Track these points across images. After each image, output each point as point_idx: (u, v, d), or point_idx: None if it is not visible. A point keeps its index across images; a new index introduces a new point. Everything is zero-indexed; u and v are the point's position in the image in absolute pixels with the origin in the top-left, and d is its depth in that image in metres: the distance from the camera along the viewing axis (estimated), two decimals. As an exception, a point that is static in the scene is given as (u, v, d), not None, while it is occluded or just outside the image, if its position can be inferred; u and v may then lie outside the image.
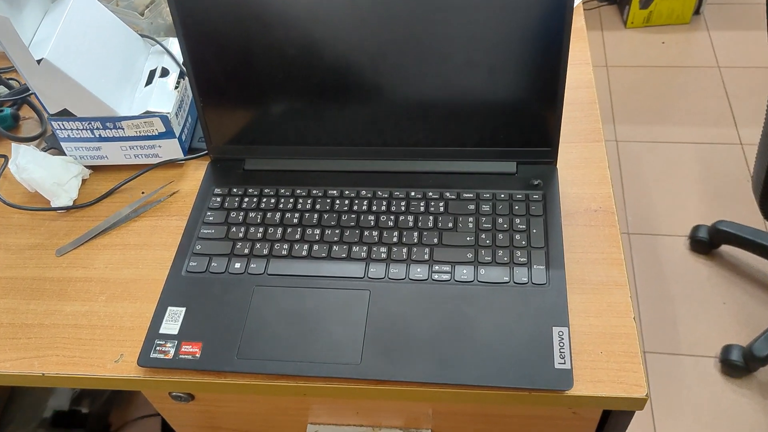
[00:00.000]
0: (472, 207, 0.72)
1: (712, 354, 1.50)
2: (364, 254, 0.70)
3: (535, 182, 0.74)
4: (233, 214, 0.75)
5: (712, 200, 1.77)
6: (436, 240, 0.70)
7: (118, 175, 0.83)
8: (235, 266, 0.70)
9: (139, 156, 0.81)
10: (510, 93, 0.71)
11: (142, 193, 0.81)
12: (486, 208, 0.72)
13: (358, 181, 0.77)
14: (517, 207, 0.72)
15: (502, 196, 0.73)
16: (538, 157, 0.75)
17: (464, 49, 0.68)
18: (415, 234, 0.71)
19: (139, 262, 0.74)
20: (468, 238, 0.70)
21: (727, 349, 1.46)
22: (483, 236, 0.70)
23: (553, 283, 0.65)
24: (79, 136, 0.79)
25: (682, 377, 1.46)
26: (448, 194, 0.74)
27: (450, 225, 0.71)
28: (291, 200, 0.75)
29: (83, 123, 0.77)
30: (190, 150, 0.84)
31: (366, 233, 0.71)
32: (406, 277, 0.68)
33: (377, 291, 0.67)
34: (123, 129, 0.78)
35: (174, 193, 0.80)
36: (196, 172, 0.82)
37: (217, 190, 0.78)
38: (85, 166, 0.82)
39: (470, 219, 0.71)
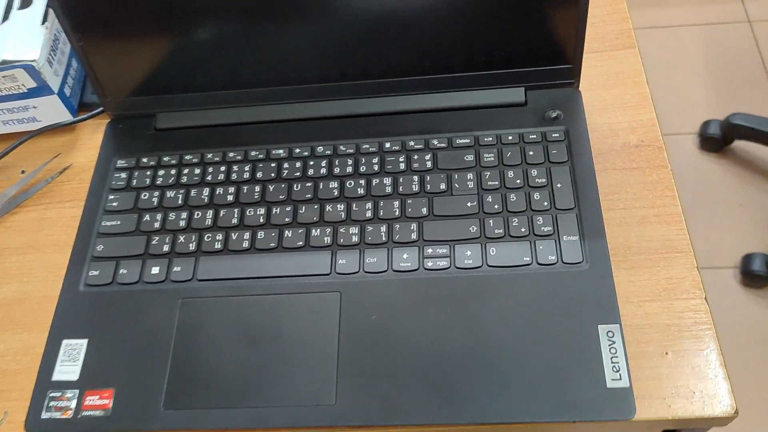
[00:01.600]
0: (470, 157, 0.53)
1: (730, 264, 1.36)
2: (328, 239, 0.50)
3: (553, 114, 0.53)
4: (145, 196, 0.54)
5: (721, 91, 1.58)
6: (425, 210, 0.51)
7: (-10, 150, 0.61)
8: (152, 271, 0.51)
9: (11, 123, 0.60)
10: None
11: (22, 172, 0.60)
12: (489, 157, 0.52)
13: (311, 132, 0.56)
14: (531, 152, 0.52)
15: (510, 138, 0.53)
16: (553, 78, 0.55)
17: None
18: (396, 204, 0.51)
19: (23, 273, 0.54)
20: (469, 204, 0.50)
21: (747, 259, 1.32)
22: (489, 199, 0.50)
23: (593, 259, 0.47)
24: None
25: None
26: (435, 141, 0.54)
27: (443, 186, 0.51)
28: (222, 168, 0.55)
29: None
30: (81, 107, 0.62)
31: (328, 208, 0.52)
32: (389, 268, 0.49)
33: (351, 292, 0.48)
34: (-25, 89, 0.55)
35: (65, 169, 0.59)
36: (94, 137, 0.61)
37: (121, 162, 0.57)
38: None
39: (469, 175, 0.52)
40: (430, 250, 0.49)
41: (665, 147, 0.53)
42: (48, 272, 0.54)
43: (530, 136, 0.53)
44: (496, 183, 0.51)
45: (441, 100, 0.56)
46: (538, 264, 0.47)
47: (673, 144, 1.52)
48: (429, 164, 0.53)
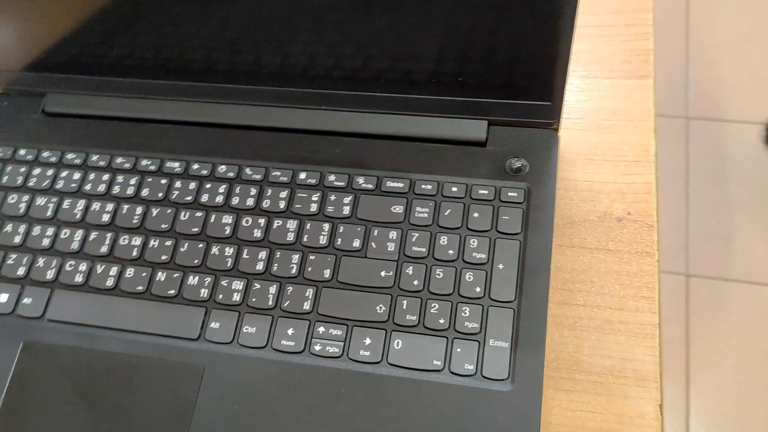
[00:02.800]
0: (398, 209, 0.41)
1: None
2: (204, 292, 0.40)
3: (516, 164, 0.41)
4: (12, 199, 0.45)
5: (802, 77, 1.36)
6: (328, 272, 0.40)
7: None
8: (0, 300, 0.42)
9: None
10: None
11: None
12: (423, 212, 0.41)
13: (216, 144, 0.45)
14: (476, 214, 0.40)
15: (454, 189, 0.41)
16: (525, 115, 0.42)
17: None
18: (296, 258, 0.41)
19: None
20: (383, 273, 0.39)
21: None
22: (410, 271, 0.39)
23: (521, 377, 0.36)
24: None
25: (737, 308, 1.18)
26: (361, 180, 0.42)
27: (356, 244, 0.40)
28: (105, 177, 0.45)
29: None
30: (-29, 70, 0.52)
31: (214, 250, 0.41)
32: (268, 344, 0.39)
33: (217, 368, 0.38)
34: None
35: (-56, 145, 0.50)
36: (-18, 109, 0.51)
37: (-4, 151, 0.47)
38: None
39: (392, 234, 0.40)
40: (321, 329, 0.38)
41: (656, 224, 0.40)
42: None
43: (480, 191, 0.41)
44: (423, 250, 0.40)
45: (378, 123, 0.43)
46: (451, 372, 0.37)
47: (734, 133, 1.34)
48: (347, 210, 0.41)
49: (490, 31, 0.38)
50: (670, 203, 1.27)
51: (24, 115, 0.48)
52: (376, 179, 0.42)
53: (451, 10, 0.38)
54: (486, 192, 0.41)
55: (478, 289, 0.38)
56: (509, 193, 0.40)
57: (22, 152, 0.47)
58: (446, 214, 0.40)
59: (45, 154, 0.46)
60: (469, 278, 0.38)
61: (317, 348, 0.38)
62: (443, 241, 0.40)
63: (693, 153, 1.33)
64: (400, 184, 0.42)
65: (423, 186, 0.41)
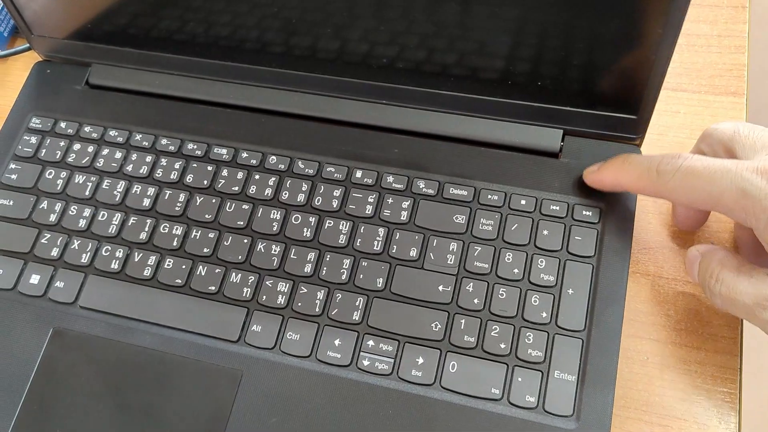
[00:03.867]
0: (461, 219, 0.38)
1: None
2: (247, 291, 0.38)
3: (593, 180, 0.38)
4: (50, 174, 0.43)
5: None
6: (381, 281, 0.37)
7: None
8: (31, 280, 0.40)
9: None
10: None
11: (-65, 104, 0.49)
12: (487, 224, 0.38)
13: (269, 132, 0.42)
14: (546, 231, 0.37)
15: (523, 202, 0.38)
16: (606, 128, 0.38)
17: None
18: (347, 262, 0.38)
19: None
20: (441, 288, 0.36)
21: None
22: (470, 287, 0.36)
23: (586, 416, 0.33)
24: None
25: None
26: (421, 184, 0.39)
27: (413, 253, 0.37)
28: (148, 159, 0.42)
29: None
30: (16, 38, 0.50)
31: (260, 246, 0.39)
32: (312, 354, 0.36)
33: (256, 374, 0.36)
34: None
35: (-18, 109, 0.48)
36: (24, 75, 0.49)
37: (35, 121, 0.45)
38: None
39: (453, 245, 0.37)
40: (371, 343, 0.36)
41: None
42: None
43: (551, 207, 0.37)
44: (486, 266, 0.37)
45: (443, 123, 0.40)
46: (509, 402, 0.34)
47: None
48: (404, 216, 0.38)
49: (578, 29, 0.35)
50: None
51: (67, 85, 0.46)
52: (438, 184, 0.39)
53: (540, 15, 0.34)
54: (557, 208, 0.37)
55: (544, 315, 0.35)
56: (583, 212, 0.37)
57: (62, 125, 0.44)
58: (513, 228, 0.37)
59: (86, 128, 0.44)
60: (535, 301, 0.35)
61: (365, 363, 0.35)
62: (508, 258, 0.37)
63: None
64: (464, 192, 0.39)
65: (489, 196, 0.38)
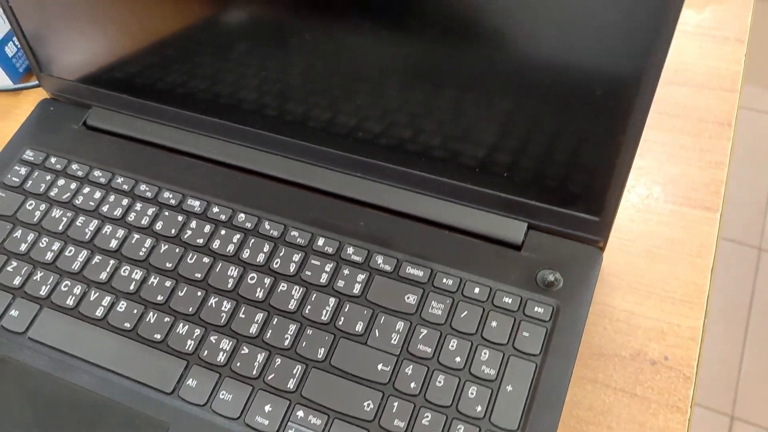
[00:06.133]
0: (412, 299, 0.38)
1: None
2: (191, 344, 0.38)
3: (550, 277, 0.37)
4: (30, 205, 0.44)
5: None
6: (322, 352, 0.37)
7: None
8: (-11, 306, 0.41)
9: (-52, 67, 0.51)
10: (536, 78, 0.34)
11: (-55, 127, 0.51)
12: (437, 308, 0.37)
13: (242, 190, 0.43)
14: (494, 323, 0.36)
15: (476, 291, 0.37)
16: (570, 226, 0.38)
17: None
18: (292, 328, 0.37)
19: None
20: (380, 367, 0.36)
21: None
22: (409, 370, 0.35)
23: None
24: None
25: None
26: (380, 260, 0.39)
27: (359, 328, 0.37)
28: (124, 201, 0.43)
29: None
30: (30, 74, 0.52)
31: (211, 301, 0.39)
32: (241, 417, 0.35)
33: (180, 431, 0.35)
34: None
35: (-15, 137, 0.50)
36: (31, 109, 0.51)
37: (28, 154, 0.47)
38: None
39: (399, 325, 0.37)
40: (300, 414, 0.35)
41: (694, 377, 0.35)
42: None
43: (504, 299, 0.37)
44: (429, 350, 0.36)
45: (411, 202, 0.41)
46: (429, 497, 0.32)
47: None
48: (357, 289, 0.38)
49: (547, 128, 0.35)
50: (727, 336, 1.18)
51: (66, 123, 0.48)
52: (396, 262, 0.39)
53: (512, 99, 0.35)
54: (510, 301, 0.37)
55: (479, 409, 0.34)
56: (535, 308, 0.36)
57: (53, 160, 0.46)
58: (462, 315, 0.37)
59: (74, 166, 0.45)
60: (472, 394, 0.34)
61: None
62: (452, 346, 0.36)
63: (761, 287, 1.24)
64: (420, 273, 0.38)
65: (444, 279, 0.38)
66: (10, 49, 0.50)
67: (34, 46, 0.46)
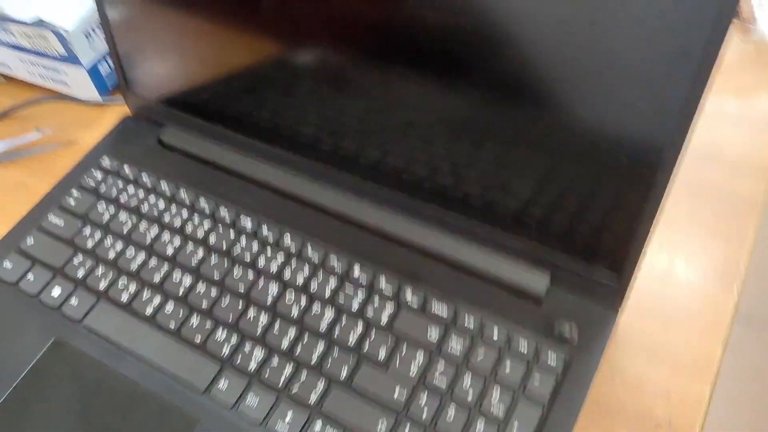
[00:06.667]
0: (434, 335, 0.40)
1: None
2: (226, 350, 0.41)
3: (565, 329, 0.39)
4: (101, 207, 0.49)
5: None
6: (344, 372, 0.39)
7: (26, 94, 0.60)
8: (53, 293, 0.45)
9: (46, 78, 0.57)
10: (570, 137, 0.37)
11: (36, 130, 0.57)
12: (456, 346, 0.40)
13: (289, 216, 0.47)
14: (508, 367, 0.39)
15: (495, 334, 0.40)
16: (588, 283, 0.40)
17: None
18: (319, 348, 0.41)
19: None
20: (396, 393, 0.38)
21: None
22: (422, 400, 0.38)
23: None
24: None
25: None
26: (408, 295, 0.42)
27: (381, 355, 0.40)
28: (184, 214, 0.48)
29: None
30: (117, 90, 0.58)
31: (251, 314, 0.42)
32: (264, 422, 0.38)
33: (208, 427, 0.38)
34: (13, 34, 0.53)
35: (70, 143, 0.56)
36: (114, 121, 0.56)
37: (106, 161, 0.52)
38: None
39: (419, 356, 0.40)
40: (318, 427, 0.38)
41: (698, 443, 0.37)
42: (-15, 241, 0.50)
43: (519, 344, 0.39)
44: (444, 384, 0.38)
45: (446, 244, 0.44)
46: None
47: None
48: (384, 319, 0.41)
49: (578, 189, 0.38)
50: (733, 404, 1.16)
51: (142, 138, 0.53)
52: (423, 298, 0.42)
53: (549, 160, 0.38)
54: (524, 347, 0.39)
55: (483, 444, 0.36)
56: (548, 357, 0.39)
57: (126, 170, 0.51)
58: (478, 356, 0.39)
59: (144, 178, 0.50)
60: (479, 429, 0.37)
61: (307, 442, 0.37)
62: (466, 382, 0.38)
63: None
64: (444, 311, 0.41)
65: (465, 319, 0.41)
66: (104, 68, 0.56)
67: (125, 67, 0.51)
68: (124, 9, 0.48)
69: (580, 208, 0.38)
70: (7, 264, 0.47)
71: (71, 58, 0.53)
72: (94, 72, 0.55)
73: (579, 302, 0.41)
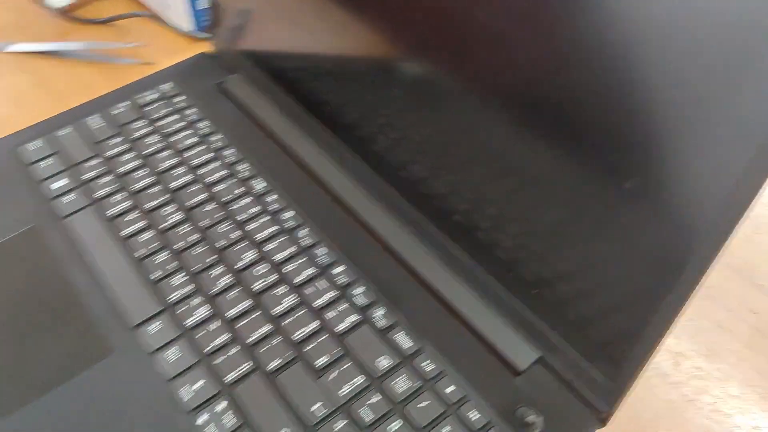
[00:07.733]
0: (385, 364, 0.35)
1: None
2: (174, 296, 0.38)
3: (531, 417, 0.33)
4: (136, 125, 0.48)
5: None
6: (275, 363, 0.35)
7: (131, 8, 0.61)
8: (54, 185, 0.44)
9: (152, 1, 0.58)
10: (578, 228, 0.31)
11: (125, 43, 0.58)
12: (403, 385, 0.34)
13: (301, 194, 0.44)
14: (448, 430, 0.33)
15: (449, 390, 0.34)
16: (580, 378, 0.34)
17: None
18: (264, 328, 0.37)
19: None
20: (316, 407, 0.33)
21: None
22: (337, 425, 0.33)
23: None
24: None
25: None
26: (378, 312, 0.37)
27: (321, 361, 0.35)
28: (206, 155, 0.46)
29: None
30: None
31: (216, 269, 0.39)
32: (174, 379, 0.35)
33: (117, 362, 0.35)
34: (134, -53, 0.55)
35: (148, 63, 0.57)
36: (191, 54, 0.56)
37: (165, 86, 0.51)
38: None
39: (359, 380, 0.35)
40: (219, 407, 0.33)
41: None
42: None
43: (470, 411, 0.33)
44: (367, 418, 0.33)
45: (445, 283, 0.38)
46: None
47: None
48: (341, 327, 0.37)
49: (597, 281, 0.32)
50: None
51: (208, 78, 0.52)
52: (393, 323, 0.37)
53: (575, 245, 0.32)
54: (475, 416, 0.33)
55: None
56: (494, 436, 0.32)
57: (178, 99, 0.50)
58: (420, 404, 0.33)
59: (189, 111, 0.49)
60: (382, 484, 0.31)
61: (204, 417, 0.33)
62: (394, 427, 0.33)
63: None
64: (408, 344, 0.36)
65: (424, 363, 0.35)
66: (201, 4, 0.56)
67: (222, 7, 0.51)
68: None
69: (596, 300, 0.32)
70: (32, 145, 0.47)
71: (174, -15, 0.54)
72: (193, 3, 0.55)
73: (560, 397, 0.34)
